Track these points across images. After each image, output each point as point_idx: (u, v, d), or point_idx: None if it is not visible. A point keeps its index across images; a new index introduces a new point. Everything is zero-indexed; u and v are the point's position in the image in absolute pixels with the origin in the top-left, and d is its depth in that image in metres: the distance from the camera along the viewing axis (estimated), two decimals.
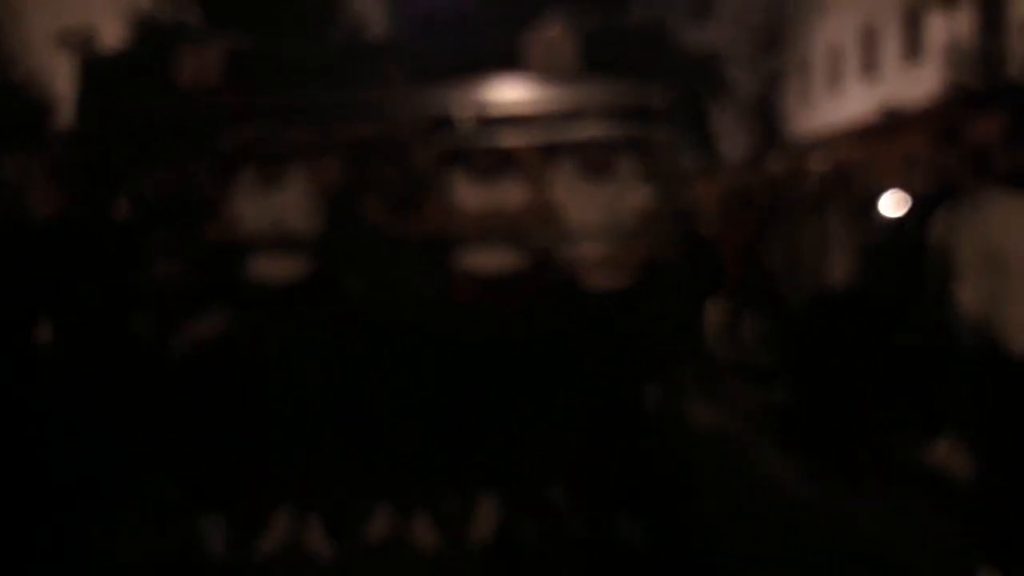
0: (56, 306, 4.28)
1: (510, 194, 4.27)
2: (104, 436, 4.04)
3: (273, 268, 4.19)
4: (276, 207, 4.15)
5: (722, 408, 6.66)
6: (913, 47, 18.55)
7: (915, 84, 17.69)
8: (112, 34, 12.21)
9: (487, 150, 4.21)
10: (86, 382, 3.97)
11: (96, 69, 4.01)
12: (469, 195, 4.26)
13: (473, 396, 4.28)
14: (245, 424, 4.20)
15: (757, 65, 24.62)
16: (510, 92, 4.16)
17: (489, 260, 4.24)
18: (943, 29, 16.98)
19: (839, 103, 21.15)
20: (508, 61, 4.09)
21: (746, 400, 6.94)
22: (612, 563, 4.08)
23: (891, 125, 15.77)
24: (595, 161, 4.26)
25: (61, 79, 14.71)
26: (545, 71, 4.05)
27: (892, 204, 5.79)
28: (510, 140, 4.21)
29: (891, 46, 19.36)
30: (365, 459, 4.47)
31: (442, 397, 4.28)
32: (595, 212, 4.22)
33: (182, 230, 4.12)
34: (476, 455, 4.36)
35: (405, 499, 4.34)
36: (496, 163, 4.26)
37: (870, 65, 20.32)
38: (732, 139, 22.57)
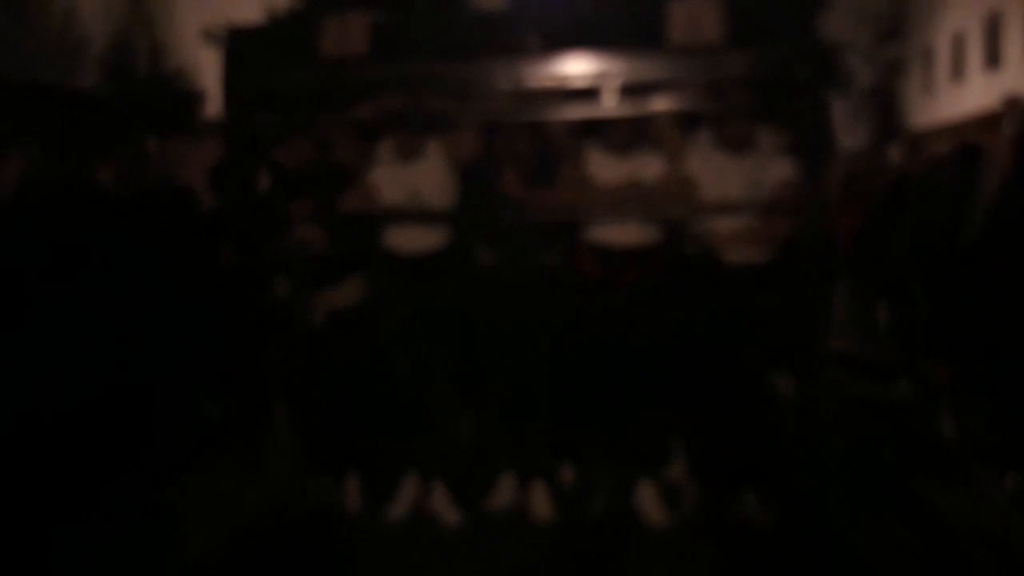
0: (203, 273, 4.27)
1: (646, 166, 4.01)
2: (243, 396, 3.99)
3: (409, 239, 4.05)
4: (413, 179, 4.00)
5: (840, 398, 6.28)
6: None
7: None
8: None
9: (623, 121, 3.95)
10: (229, 344, 3.92)
11: (242, 40, 3.93)
12: (604, 167, 4.02)
13: (598, 369, 4.05)
14: (377, 389, 4.10)
15: (878, 55, 23.51)
16: (648, 62, 3.88)
17: (623, 233, 4.00)
18: None
19: (962, 93, 19.99)
20: (649, 30, 3.81)
21: (865, 392, 6.53)
22: (735, 540, 3.83)
23: (1014, 116, 14.75)
24: (735, 133, 3.96)
25: (208, 73, 15.14)
26: (688, 41, 3.76)
27: None
28: (648, 111, 3.94)
29: (1015, 36, 18.18)
30: (489, 428, 4.33)
31: (565, 369, 4.07)
32: (734, 185, 3.92)
33: (321, 200, 4.02)
34: (597, 428, 4.15)
35: (525, 470, 4.17)
36: (632, 135, 4.01)
37: (994, 55, 19.13)
38: (851, 130, 21.63)
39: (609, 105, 3.90)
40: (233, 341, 3.93)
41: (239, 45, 4.00)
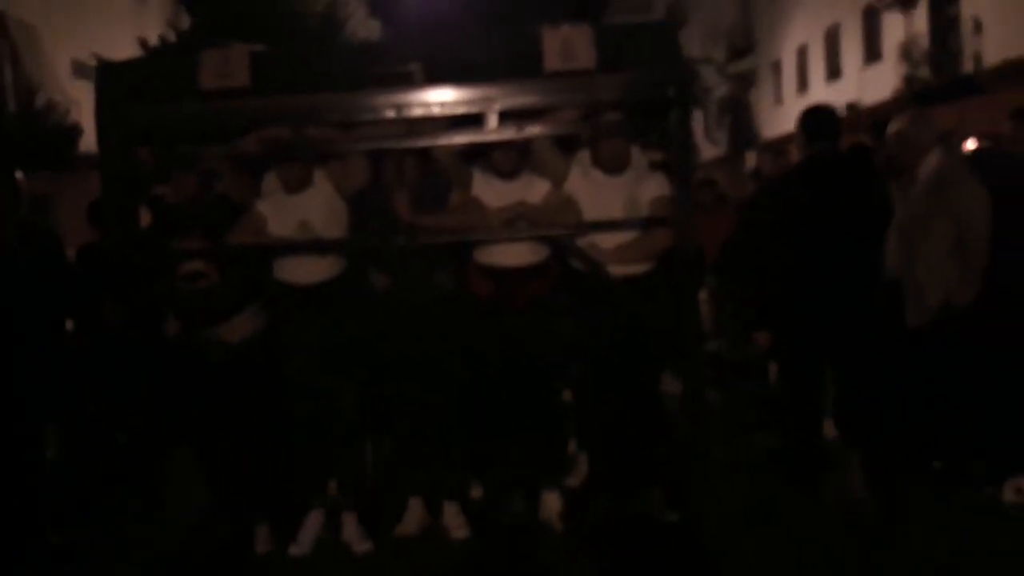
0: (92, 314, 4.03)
1: (531, 189, 4.03)
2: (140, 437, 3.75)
3: (301, 270, 3.92)
4: (302, 209, 3.88)
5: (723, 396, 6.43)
6: (872, 47, 18.41)
7: (875, 82, 17.56)
8: None
9: (507, 145, 3.93)
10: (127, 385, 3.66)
11: (116, 73, 3.70)
12: (491, 190, 4.01)
13: (496, 386, 4.05)
14: (277, 423, 3.95)
15: (732, 69, 24.40)
16: (526, 88, 3.85)
17: (512, 254, 4.00)
18: (900, 28, 16.86)
19: (807, 102, 20.94)
20: (522, 59, 3.79)
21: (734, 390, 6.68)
22: (638, 541, 3.86)
23: (851, 121, 15.59)
24: (611, 154, 4.01)
25: (85, 107, 14.41)
26: (562, 67, 3.75)
27: None
28: (528, 135, 3.92)
29: (853, 46, 19.22)
30: (394, 453, 4.25)
31: (467, 388, 4.05)
32: (613, 203, 3.97)
33: (208, 234, 3.84)
34: (500, 444, 4.12)
35: (434, 491, 4.12)
36: (517, 159, 4.02)
37: (834, 65, 20.15)
38: (711, 140, 22.35)
39: (491, 130, 3.85)
40: (125, 380, 3.69)
41: (113, 79, 3.76)
